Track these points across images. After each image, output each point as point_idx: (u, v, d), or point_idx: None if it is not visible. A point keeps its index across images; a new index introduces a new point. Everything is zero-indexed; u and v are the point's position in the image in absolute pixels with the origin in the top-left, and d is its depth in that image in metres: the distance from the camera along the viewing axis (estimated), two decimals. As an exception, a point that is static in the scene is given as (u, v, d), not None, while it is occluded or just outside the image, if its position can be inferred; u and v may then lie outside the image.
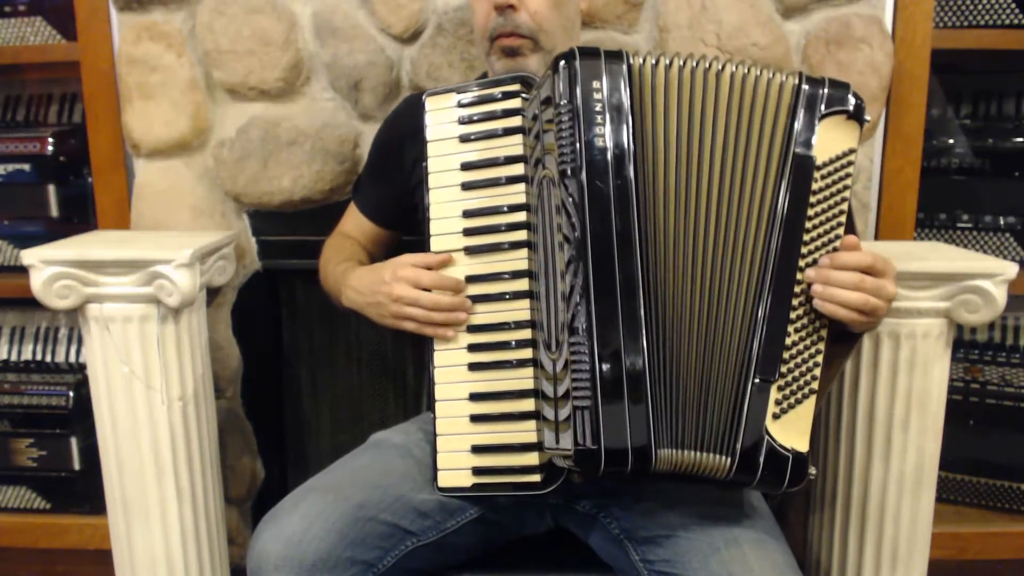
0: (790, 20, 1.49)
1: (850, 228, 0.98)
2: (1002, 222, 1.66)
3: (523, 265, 1.02)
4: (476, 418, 1.03)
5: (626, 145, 0.92)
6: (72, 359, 1.80)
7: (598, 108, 0.91)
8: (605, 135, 0.91)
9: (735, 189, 0.94)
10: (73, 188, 1.74)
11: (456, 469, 1.05)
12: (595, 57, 0.93)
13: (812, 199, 0.93)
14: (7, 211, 1.73)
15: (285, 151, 1.54)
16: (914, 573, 1.37)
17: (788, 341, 0.93)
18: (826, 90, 0.94)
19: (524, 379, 1.01)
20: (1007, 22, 1.56)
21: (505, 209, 1.03)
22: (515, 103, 1.03)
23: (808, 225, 0.93)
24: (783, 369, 0.92)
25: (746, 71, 0.95)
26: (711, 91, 0.94)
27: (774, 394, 0.92)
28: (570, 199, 0.91)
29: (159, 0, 1.52)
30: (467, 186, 1.05)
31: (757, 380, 0.92)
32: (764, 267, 0.93)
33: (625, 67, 0.93)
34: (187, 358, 1.40)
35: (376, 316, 1.11)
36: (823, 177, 0.94)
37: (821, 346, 0.94)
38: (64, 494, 1.75)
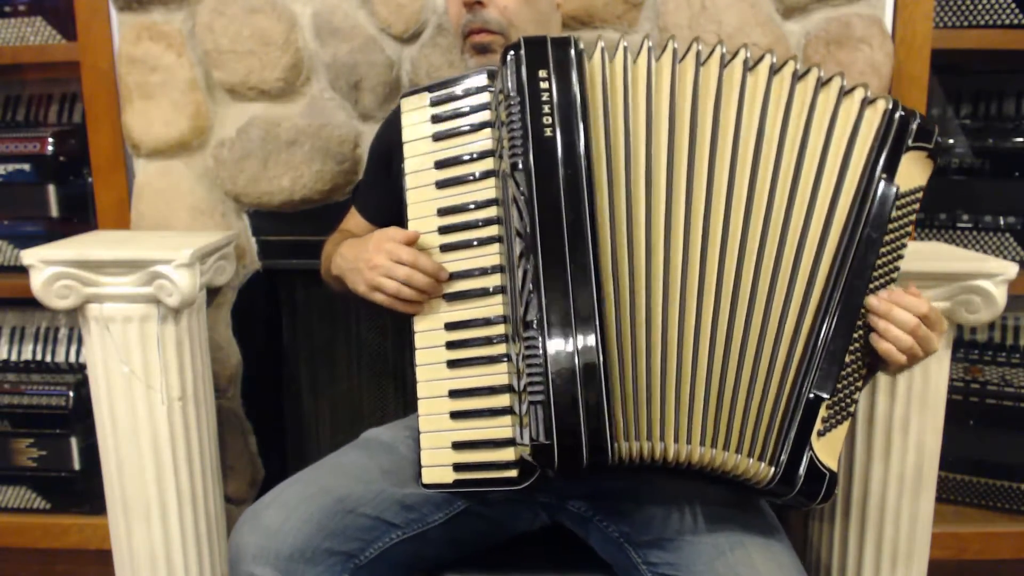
0: (790, 20, 1.49)
1: None
2: (1002, 222, 1.66)
3: (496, 260, 1.00)
4: (456, 415, 1.03)
5: (577, 135, 0.90)
6: (72, 359, 1.80)
7: (545, 98, 0.90)
8: (553, 125, 0.90)
9: (777, 197, 0.93)
10: (73, 188, 1.74)
11: (438, 465, 1.05)
12: (540, 46, 0.91)
13: (888, 226, 0.92)
14: (7, 211, 1.73)
15: (285, 151, 1.54)
16: (914, 573, 1.37)
17: (844, 361, 0.92)
18: (916, 123, 0.93)
19: (500, 374, 1.00)
20: (1007, 22, 1.56)
21: (475, 206, 1.01)
22: (484, 97, 1.01)
23: (880, 251, 0.92)
24: (836, 387, 0.92)
25: (798, 72, 0.93)
26: (732, 86, 0.93)
27: (822, 411, 0.92)
28: (521, 193, 0.90)
29: (159, 0, 1.52)
30: (441, 184, 1.04)
31: (812, 395, 0.91)
32: (832, 286, 0.92)
33: (573, 54, 0.92)
34: (187, 358, 1.40)
35: (353, 283, 1.10)
36: (898, 208, 0.93)
37: (864, 371, 0.95)
38: (64, 494, 1.75)
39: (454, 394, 1.03)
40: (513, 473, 1.00)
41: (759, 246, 0.93)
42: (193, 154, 1.58)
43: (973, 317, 1.28)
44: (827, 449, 0.93)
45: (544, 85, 0.90)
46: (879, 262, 0.93)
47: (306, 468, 1.12)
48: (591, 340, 0.88)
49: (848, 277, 0.91)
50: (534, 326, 0.89)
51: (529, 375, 0.90)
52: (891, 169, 0.92)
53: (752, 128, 0.93)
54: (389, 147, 1.27)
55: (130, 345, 1.35)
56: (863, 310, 0.92)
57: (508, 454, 1.00)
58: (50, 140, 1.68)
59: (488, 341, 1.01)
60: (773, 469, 0.92)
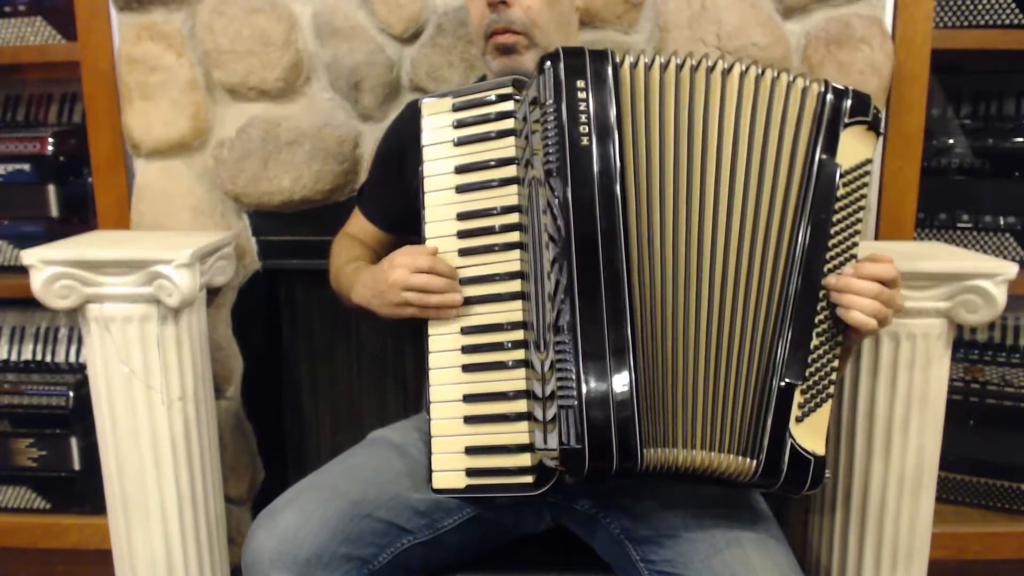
0: (790, 20, 1.49)
1: None
2: (1002, 222, 1.66)
3: (516, 266, 1.02)
4: (470, 419, 1.03)
5: (611, 143, 0.92)
6: (72, 359, 1.80)
7: (582, 107, 0.92)
8: (590, 133, 0.91)
9: (751, 192, 0.95)
10: (73, 188, 1.73)
11: (450, 471, 1.05)
12: (579, 56, 0.93)
13: (836, 206, 0.94)
14: (7, 211, 1.73)
15: (285, 151, 1.54)
16: (914, 573, 1.37)
17: (811, 345, 0.93)
18: (850, 100, 0.95)
19: (517, 380, 1.01)
20: (1007, 22, 1.56)
21: (498, 211, 1.03)
22: (508, 105, 1.02)
23: (831, 231, 0.94)
24: (806, 372, 0.93)
25: (759, 72, 0.95)
26: (715, 91, 0.95)
27: (797, 397, 0.93)
28: (555, 199, 0.92)
29: (159, 0, 1.52)
30: (461, 189, 1.05)
31: (783, 383, 0.93)
32: (790, 272, 0.94)
33: (610, 67, 0.93)
34: (187, 358, 1.40)
35: (380, 307, 1.12)
36: (845, 185, 0.95)
37: (839, 351, 0.96)
38: (64, 494, 1.74)
39: (469, 399, 1.04)
40: (529, 479, 1.00)
41: (738, 242, 0.95)
42: (193, 154, 1.58)
43: (973, 317, 1.28)
44: (809, 434, 0.93)
45: (582, 95, 0.92)
46: (833, 241, 0.95)
47: (319, 470, 1.13)
48: (624, 345, 0.89)
49: (803, 261, 0.94)
50: (566, 331, 0.90)
51: (560, 379, 0.90)
52: (831, 149, 0.95)
53: (730, 132, 0.95)
54: (400, 148, 1.27)
55: (130, 345, 1.35)
56: (824, 291, 0.94)
57: (524, 459, 1.01)
58: (50, 140, 1.68)
59: (506, 346, 1.02)
60: (754, 462, 0.93)
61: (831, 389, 0.95)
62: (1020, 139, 1.64)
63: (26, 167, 1.68)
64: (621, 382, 0.89)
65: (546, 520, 1.17)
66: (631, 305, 0.91)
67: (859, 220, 0.96)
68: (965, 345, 1.71)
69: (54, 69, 1.73)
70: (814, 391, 0.94)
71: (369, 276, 1.15)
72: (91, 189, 1.67)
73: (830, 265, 0.94)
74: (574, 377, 0.89)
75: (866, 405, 1.33)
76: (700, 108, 0.95)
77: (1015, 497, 1.69)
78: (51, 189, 1.70)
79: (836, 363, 0.95)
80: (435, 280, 1.03)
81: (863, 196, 0.96)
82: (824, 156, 0.94)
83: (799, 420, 0.93)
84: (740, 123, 0.95)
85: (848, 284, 0.93)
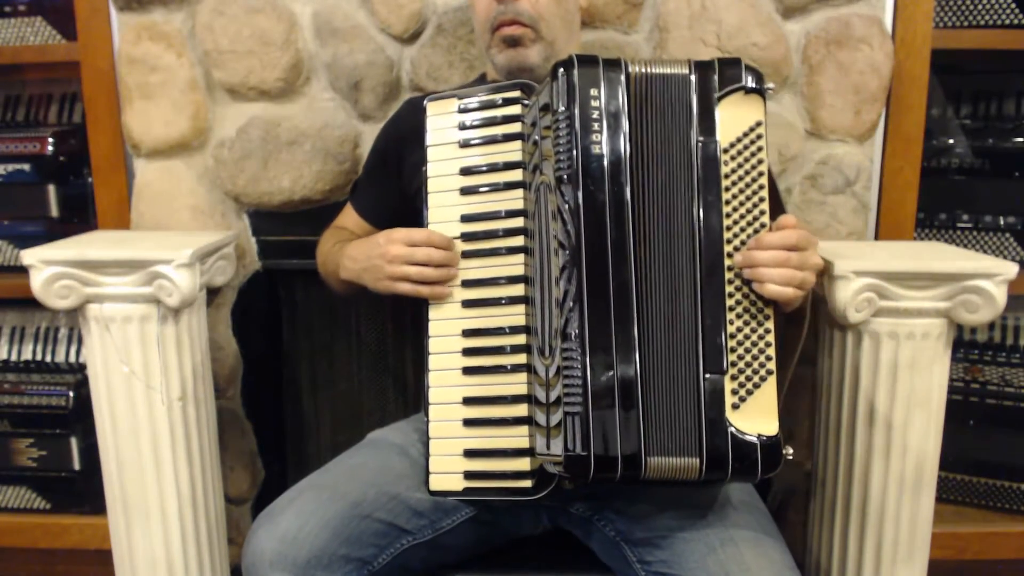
0: (790, 20, 1.49)
1: (775, 203, 0.97)
2: (1002, 222, 1.66)
3: (519, 270, 1.02)
4: (469, 422, 1.04)
5: (622, 152, 0.92)
6: (72, 359, 1.80)
7: (595, 116, 0.92)
8: (602, 142, 0.92)
9: (677, 189, 0.95)
10: (73, 188, 1.74)
11: (448, 473, 1.05)
12: (593, 65, 0.93)
13: (726, 182, 0.93)
14: (7, 211, 1.73)
15: (285, 151, 1.54)
16: (914, 573, 1.37)
17: (732, 328, 0.93)
18: (716, 73, 0.94)
19: (518, 384, 1.01)
20: (1007, 22, 1.56)
21: (503, 214, 1.03)
22: (515, 109, 1.03)
23: (727, 209, 0.94)
24: (732, 358, 0.92)
25: (655, 72, 0.95)
26: (658, 93, 0.95)
27: (729, 384, 0.92)
28: (566, 205, 0.92)
29: (159, 0, 1.52)
30: (466, 191, 1.05)
31: (707, 376, 0.92)
32: (693, 261, 0.93)
33: (623, 75, 0.93)
34: (187, 358, 1.40)
35: (371, 281, 1.12)
36: (732, 158, 0.94)
37: (769, 325, 0.94)
38: (64, 494, 1.75)
39: (469, 401, 1.04)
40: (527, 483, 1.01)
41: (682, 241, 0.94)
42: (193, 154, 1.58)
43: (973, 317, 1.28)
44: (752, 417, 0.92)
45: (595, 104, 0.92)
46: (734, 217, 0.94)
47: (319, 470, 1.13)
48: (631, 355, 0.90)
49: (702, 248, 0.93)
50: (573, 338, 0.90)
51: (566, 386, 0.91)
52: (709, 128, 0.94)
53: (668, 134, 0.95)
54: (400, 146, 1.28)
55: (130, 345, 1.35)
56: (734, 271, 0.93)
57: (523, 464, 1.01)
58: (50, 140, 1.68)
59: (508, 350, 1.02)
60: (697, 460, 0.92)
61: (770, 365, 0.93)
62: (1020, 139, 1.64)
63: (26, 167, 1.69)
64: (628, 390, 0.90)
65: (543, 522, 1.17)
66: (638, 312, 0.91)
67: (761, 187, 0.95)
68: (965, 345, 1.71)
69: (54, 69, 1.73)
70: (747, 373, 0.93)
71: (360, 250, 1.14)
72: (91, 189, 1.67)
73: (736, 243, 0.94)
74: (580, 384, 0.89)
75: (866, 405, 1.33)
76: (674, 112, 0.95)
77: (1015, 497, 1.69)
78: (51, 189, 1.70)
79: (770, 338, 0.93)
80: (435, 253, 1.04)
81: (760, 162, 0.95)
82: (702, 137, 0.94)
83: (736, 407, 0.92)
84: (665, 124, 0.95)
85: (751, 258, 0.92)
